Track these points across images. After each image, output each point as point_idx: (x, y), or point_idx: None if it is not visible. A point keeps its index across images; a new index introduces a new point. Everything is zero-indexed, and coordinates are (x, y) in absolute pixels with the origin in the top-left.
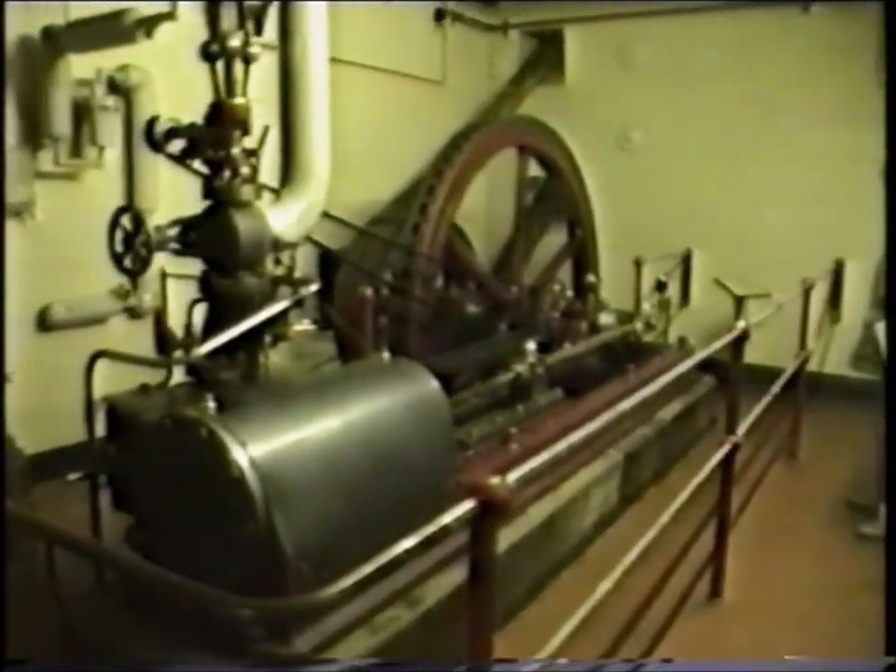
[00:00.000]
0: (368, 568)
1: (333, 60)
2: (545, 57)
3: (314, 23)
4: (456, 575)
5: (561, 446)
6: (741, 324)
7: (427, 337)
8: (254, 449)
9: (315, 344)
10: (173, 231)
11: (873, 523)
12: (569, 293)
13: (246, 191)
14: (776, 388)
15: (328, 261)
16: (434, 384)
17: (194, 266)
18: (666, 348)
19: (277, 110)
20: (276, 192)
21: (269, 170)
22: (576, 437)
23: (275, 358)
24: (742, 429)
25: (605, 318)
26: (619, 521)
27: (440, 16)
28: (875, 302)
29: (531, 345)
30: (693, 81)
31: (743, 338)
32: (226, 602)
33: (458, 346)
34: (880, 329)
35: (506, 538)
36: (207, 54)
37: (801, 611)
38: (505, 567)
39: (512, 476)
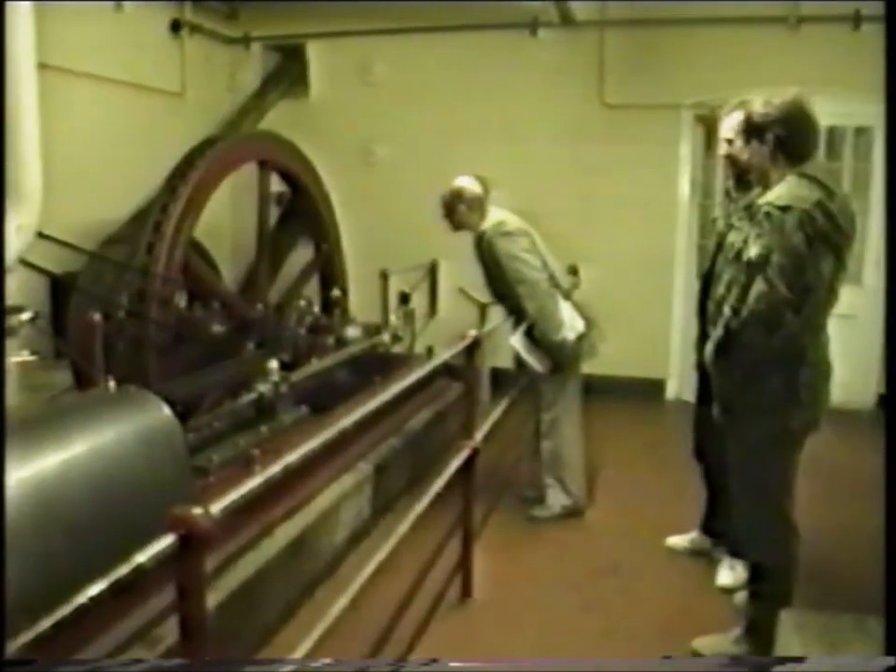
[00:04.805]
0: (47, 623)
1: (55, 69)
2: (288, 71)
3: (16, 26)
4: None
5: (275, 469)
6: (472, 332)
7: (169, 360)
8: None
9: (49, 375)
10: None
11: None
12: (316, 308)
13: None
14: (514, 392)
15: (59, 287)
16: (165, 410)
17: None
18: (414, 358)
19: None
20: None
21: None
22: (293, 457)
23: None
24: (480, 434)
25: (352, 332)
26: (373, 533)
27: (176, 26)
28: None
29: (273, 364)
30: (431, 98)
31: (475, 345)
32: None
33: (203, 368)
34: (516, 341)
35: (252, 562)
36: None
37: (543, 602)
38: (252, 591)
39: (217, 505)
